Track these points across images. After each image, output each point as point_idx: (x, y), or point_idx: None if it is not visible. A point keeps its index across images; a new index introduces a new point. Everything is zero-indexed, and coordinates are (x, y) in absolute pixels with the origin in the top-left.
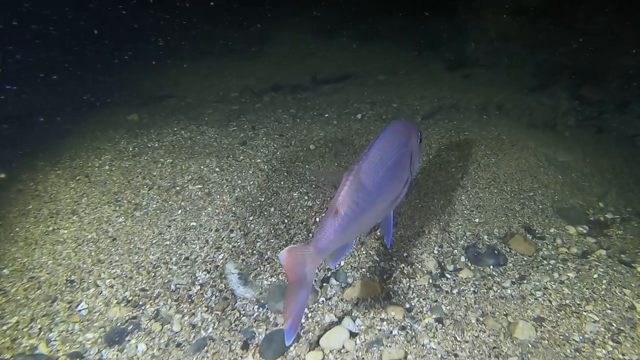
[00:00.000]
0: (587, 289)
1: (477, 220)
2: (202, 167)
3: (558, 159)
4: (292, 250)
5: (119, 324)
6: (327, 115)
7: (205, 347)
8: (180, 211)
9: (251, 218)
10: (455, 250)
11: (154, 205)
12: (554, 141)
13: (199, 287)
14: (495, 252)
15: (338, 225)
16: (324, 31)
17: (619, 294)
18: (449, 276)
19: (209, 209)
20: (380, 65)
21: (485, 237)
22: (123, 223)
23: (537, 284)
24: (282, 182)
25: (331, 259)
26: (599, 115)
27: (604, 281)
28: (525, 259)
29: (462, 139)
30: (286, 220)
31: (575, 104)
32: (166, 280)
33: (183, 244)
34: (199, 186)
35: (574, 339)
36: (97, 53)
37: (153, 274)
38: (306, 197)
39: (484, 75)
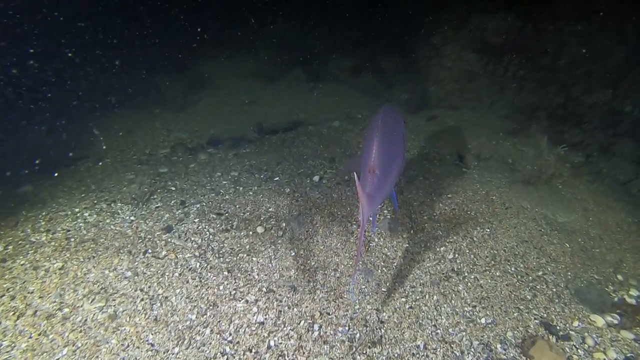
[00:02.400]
0: None
1: (483, 320)
2: (106, 271)
3: (558, 221)
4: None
5: None
6: (277, 178)
7: None
8: (66, 350)
9: (176, 350)
10: None
11: (23, 345)
12: (549, 198)
13: None
14: None
15: (377, 182)
16: (268, 73)
17: None
18: None
19: (113, 340)
20: (333, 110)
21: (499, 346)
22: None
23: None
24: (220, 287)
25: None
26: (586, 160)
27: None
28: None
29: (446, 203)
30: (227, 349)
31: (559, 150)
32: None
33: None
34: (100, 304)
35: None
36: None
37: None
38: (255, 309)
39: (451, 118)
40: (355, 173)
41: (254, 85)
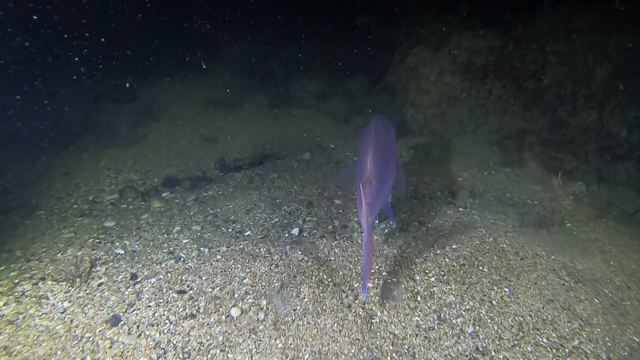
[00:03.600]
0: None
1: None
2: None
3: (577, 268)
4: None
5: None
6: (248, 233)
7: None
8: None
9: None
10: None
11: None
12: (563, 241)
13: None
14: None
15: (375, 191)
16: (227, 100)
17: None
18: None
19: None
20: (302, 140)
21: None
22: None
23: None
24: None
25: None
26: (586, 189)
27: None
28: None
29: (452, 257)
30: None
31: (559, 181)
32: None
33: None
34: None
35: None
36: None
37: None
38: None
39: (435, 146)
40: (360, 182)
41: (213, 113)
